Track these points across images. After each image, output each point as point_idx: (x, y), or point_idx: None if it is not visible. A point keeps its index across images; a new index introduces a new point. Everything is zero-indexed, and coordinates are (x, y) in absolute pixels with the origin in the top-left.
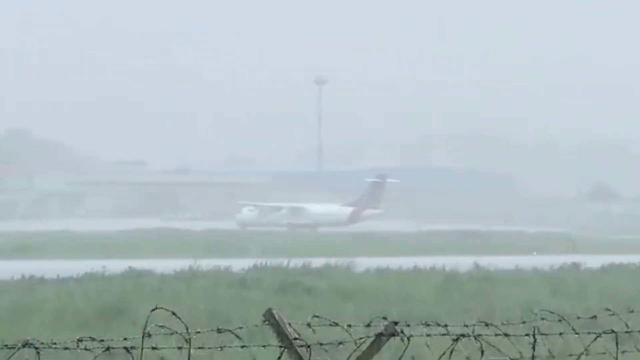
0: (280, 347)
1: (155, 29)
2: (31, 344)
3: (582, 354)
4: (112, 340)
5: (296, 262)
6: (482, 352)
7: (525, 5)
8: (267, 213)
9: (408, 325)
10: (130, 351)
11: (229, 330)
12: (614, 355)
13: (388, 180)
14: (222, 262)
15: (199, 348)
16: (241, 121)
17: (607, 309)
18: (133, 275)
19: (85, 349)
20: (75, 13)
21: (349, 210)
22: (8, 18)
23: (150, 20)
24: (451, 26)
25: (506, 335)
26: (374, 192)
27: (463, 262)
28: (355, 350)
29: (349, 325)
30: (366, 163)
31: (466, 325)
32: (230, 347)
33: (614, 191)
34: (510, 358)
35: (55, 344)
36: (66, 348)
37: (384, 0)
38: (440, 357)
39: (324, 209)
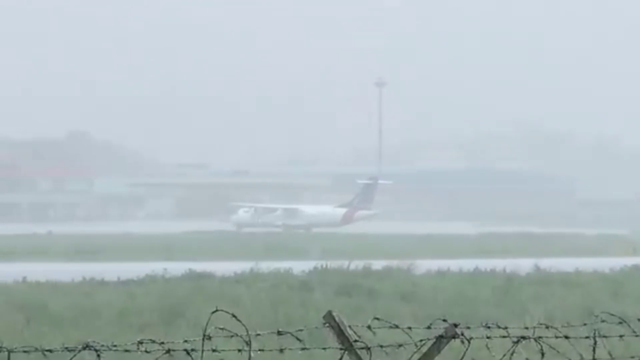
0: (341, 349)
1: (219, 30)
2: (91, 346)
3: None
4: (172, 342)
5: (356, 264)
6: (543, 354)
7: (585, 6)
8: (262, 214)
9: (468, 328)
10: (191, 353)
11: (289, 333)
12: None
13: (380, 181)
14: (282, 264)
15: (259, 350)
16: (302, 122)
17: None
18: (193, 277)
19: (146, 351)
20: (139, 12)
21: (342, 211)
22: (69, 20)
23: (214, 21)
24: (511, 28)
25: (566, 337)
26: (367, 193)
27: (524, 264)
28: (415, 353)
29: (409, 328)
30: (426, 165)
31: (526, 328)
32: (290, 349)
33: None
34: None
35: (115, 346)
36: (126, 350)
37: (444, 2)
38: (501, 359)
39: (318, 210)
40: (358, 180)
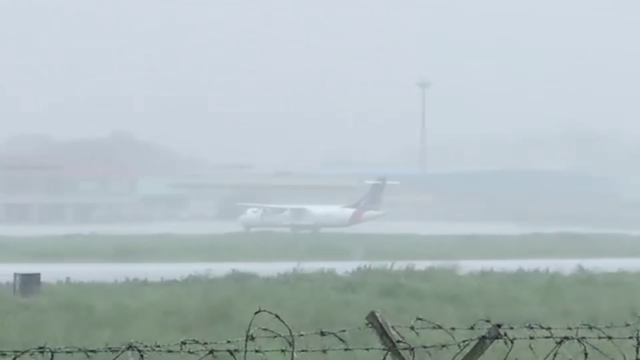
0: (383, 349)
1: (260, 33)
2: (135, 346)
3: None
4: (215, 343)
5: (400, 265)
6: (586, 354)
7: (632, 6)
8: (271, 214)
9: (511, 328)
10: (234, 354)
11: (332, 333)
12: None
13: (388, 182)
14: (326, 265)
15: (302, 351)
16: (345, 123)
17: None
18: (237, 278)
19: (189, 352)
20: (182, 14)
21: (350, 211)
22: (113, 21)
23: (254, 24)
24: (556, 28)
25: (609, 338)
26: (375, 194)
27: (567, 265)
28: (458, 353)
29: (453, 328)
30: (469, 165)
31: (570, 328)
32: (333, 349)
33: None
34: None
35: (158, 346)
36: (170, 351)
37: (491, 4)
38: (544, 359)
39: (326, 210)
40: (367, 181)
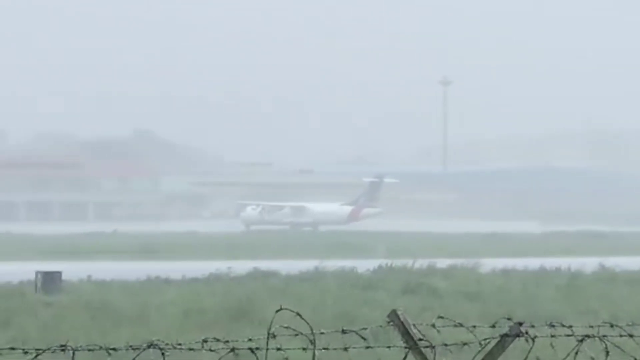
0: (405, 347)
1: (283, 31)
2: (156, 344)
3: None
4: (236, 341)
5: (421, 263)
6: (607, 353)
7: None
8: (270, 212)
9: (533, 326)
10: (255, 352)
11: (354, 331)
12: None
13: (385, 180)
14: (347, 263)
15: (324, 349)
16: (366, 121)
17: None
18: (258, 276)
19: (210, 349)
20: (205, 13)
21: (348, 209)
22: (136, 18)
23: (280, 23)
24: (579, 26)
25: (631, 336)
26: (372, 191)
27: (588, 263)
28: (480, 352)
29: (474, 326)
30: (491, 163)
31: (591, 326)
32: (354, 347)
33: None
34: (635, 359)
35: (180, 344)
36: (191, 349)
37: (510, 1)
38: (565, 358)
39: (325, 207)
40: (364, 179)
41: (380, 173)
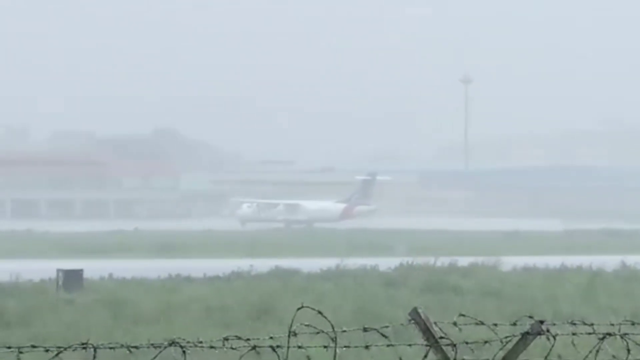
0: (426, 345)
1: (305, 31)
2: (177, 342)
3: None
4: (258, 339)
5: (442, 261)
6: (629, 351)
7: None
8: (265, 209)
9: (554, 324)
10: (276, 350)
11: (375, 329)
12: None
13: (378, 177)
14: (368, 261)
15: (345, 347)
16: (387, 119)
17: None
18: (280, 274)
19: (232, 347)
20: (224, 13)
21: (341, 206)
22: (158, 18)
23: (300, 23)
24: (600, 24)
25: None
26: (365, 189)
27: (610, 261)
28: (501, 349)
29: (495, 324)
30: (512, 161)
31: (612, 324)
32: (376, 345)
33: None
34: None
35: (201, 342)
36: (212, 347)
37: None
38: (587, 356)
39: (318, 205)
40: (357, 177)
41: (373, 171)
